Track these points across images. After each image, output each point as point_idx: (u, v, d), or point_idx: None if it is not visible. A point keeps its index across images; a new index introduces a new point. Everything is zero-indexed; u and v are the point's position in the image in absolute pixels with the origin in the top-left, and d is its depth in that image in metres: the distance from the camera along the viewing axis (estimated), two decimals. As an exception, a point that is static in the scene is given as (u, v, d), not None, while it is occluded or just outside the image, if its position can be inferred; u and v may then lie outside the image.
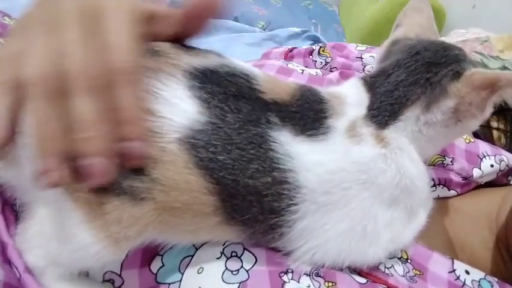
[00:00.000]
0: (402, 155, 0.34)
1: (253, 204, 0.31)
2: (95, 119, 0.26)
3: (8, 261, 0.34)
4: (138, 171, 0.29)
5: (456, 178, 0.47)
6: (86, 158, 0.26)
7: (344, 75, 0.54)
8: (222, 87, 0.31)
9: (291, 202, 0.31)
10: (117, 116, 0.27)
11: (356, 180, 0.33)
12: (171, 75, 0.31)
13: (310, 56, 0.65)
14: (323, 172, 0.32)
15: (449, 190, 0.48)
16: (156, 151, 0.29)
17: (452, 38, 0.80)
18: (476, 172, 0.47)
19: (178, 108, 0.30)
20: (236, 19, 1.54)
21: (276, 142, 0.31)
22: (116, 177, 0.28)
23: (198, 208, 0.30)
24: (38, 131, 0.26)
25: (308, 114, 0.33)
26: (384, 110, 0.35)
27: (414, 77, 0.35)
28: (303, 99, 0.34)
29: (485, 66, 0.71)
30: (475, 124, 0.37)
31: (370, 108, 0.35)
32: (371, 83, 0.37)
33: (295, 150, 0.31)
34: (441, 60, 0.35)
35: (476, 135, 0.53)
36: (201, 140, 0.29)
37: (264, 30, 1.38)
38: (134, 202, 0.29)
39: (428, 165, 0.37)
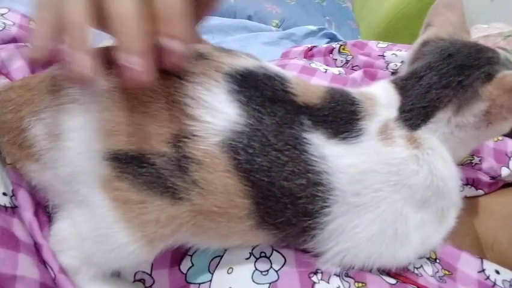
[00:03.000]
0: (434, 155, 0.34)
1: (288, 206, 0.31)
2: (137, 16, 0.26)
3: (43, 262, 0.34)
4: (183, 170, 0.29)
5: (484, 178, 0.46)
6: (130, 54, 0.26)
7: (368, 74, 0.54)
8: (259, 90, 0.32)
9: (325, 204, 0.31)
10: (159, 14, 0.26)
11: (387, 182, 0.33)
12: (213, 79, 0.31)
13: (331, 55, 0.64)
14: (354, 173, 0.32)
15: (476, 190, 0.47)
16: (199, 153, 0.29)
17: (473, 33, 0.79)
18: (504, 171, 0.46)
19: (219, 111, 0.30)
20: (250, 18, 1.53)
21: (310, 144, 0.31)
22: (164, 174, 0.29)
23: (233, 212, 0.31)
24: (118, 26, 0.26)
25: (340, 116, 0.33)
26: (416, 112, 0.35)
27: (446, 80, 0.35)
28: (335, 102, 0.34)
29: (508, 61, 0.70)
30: (507, 126, 0.37)
31: (402, 110, 0.35)
32: (402, 85, 0.37)
33: (329, 153, 0.32)
34: (474, 63, 0.35)
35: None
36: (241, 142, 0.30)
37: (279, 28, 1.37)
38: (174, 201, 0.30)
39: (456, 165, 0.37)
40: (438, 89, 0.35)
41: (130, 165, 0.29)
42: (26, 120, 0.32)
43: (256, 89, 0.32)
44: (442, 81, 0.35)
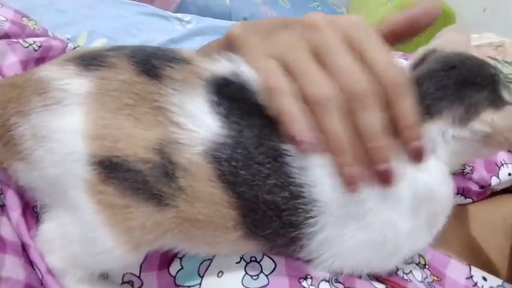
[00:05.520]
0: (415, 166, 0.33)
1: (273, 219, 0.31)
2: (382, 130, 0.30)
3: (30, 263, 0.34)
4: (169, 176, 0.29)
5: (474, 187, 0.47)
6: (379, 164, 0.30)
7: None
8: (236, 102, 0.31)
9: (308, 215, 0.31)
10: (397, 124, 0.31)
11: (371, 192, 0.32)
12: (194, 88, 0.31)
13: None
14: (338, 184, 0.31)
15: (465, 198, 0.48)
16: (184, 161, 0.29)
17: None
18: (494, 181, 0.47)
19: (201, 121, 0.30)
20: (245, 20, 1.54)
21: (290, 156, 0.31)
22: (150, 180, 0.29)
23: (220, 221, 0.31)
24: (335, 143, 0.30)
25: None
26: None
27: (444, 92, 0.34)
28: None
29: (500, 72, 0.71)
30: (499, 151, 0.37)
31: None
32: None
33: (309, 164, 0.31)
34: (477, 80, 0.34)
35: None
36: (224, 153, 0.30)
37: (273, 31, 1.37)
38: (160, 208, 0.29)
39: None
40: (433, 99, 0.34)
41: (115, 172, 0.29)
42: (12, 118, 0.31)
43: (234, 101, 0.31)
44: (439, 92, 0.34)
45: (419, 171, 0.34)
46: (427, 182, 0.34)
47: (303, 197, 0.31)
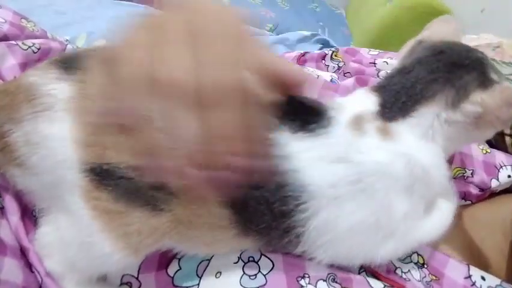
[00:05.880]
0: (411, 147, 0.34)
1: (265, 212, 0.31)
2: (221, 133, 0.26)
3: (29, 266, 0.34)
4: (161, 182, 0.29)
5: (474, 191, 0.47)
6: (222, 170, 0.26)
7: (360, 81, 0.54)
8: None
9: (298, 202, 0.31)
10: (248, 133, 0.27)
11: (363, 172, 0.32)
12: None
13: (323, 61, 0.65)
14: (325, 165, 0.32)
15: (465, 201, 0.48)
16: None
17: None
18: (494, 183, 0.47)
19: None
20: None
21: (275, 144, 0.31)
22: (142, 187, 0.29)
23: (214, 221, 0.31)
24: (174, 136, 0.26)
25: (307, 108, 0.33)
26: (396, 106, 0.35)
27: (434, 75, 0.35)
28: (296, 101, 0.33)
29: (499, 71, 0.71)
30: (493, 133, 0.37)
31: (383, 104, 0.35)
32: (387, 81, 0.37)
33: (294, 149, 0.31)
34: (465, 62, 0.35)
35: (489, 141, 0.53)
36: None
37: (272, 32, 1.38)
38: (154, 213, 0.30)
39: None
40: (424, 83, 0.35)
41: (107, 179, 0.29)
42: (5, 125, 0.31)
43: None
44: (430, 76, 0.35)
45: (420, 152, 0.34)
46: (424, 162, 0.34)
47: (289, 185, 0.31)
